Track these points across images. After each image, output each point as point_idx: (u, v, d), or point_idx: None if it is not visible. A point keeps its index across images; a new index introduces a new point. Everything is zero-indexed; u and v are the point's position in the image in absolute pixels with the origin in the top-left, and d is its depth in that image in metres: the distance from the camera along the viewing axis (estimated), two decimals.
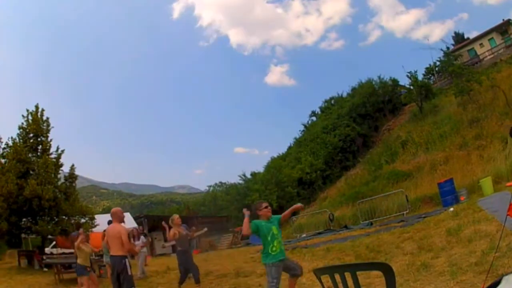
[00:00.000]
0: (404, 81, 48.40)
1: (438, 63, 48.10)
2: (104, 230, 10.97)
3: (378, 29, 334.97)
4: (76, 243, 11.05)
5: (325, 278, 3.61)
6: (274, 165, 47.42)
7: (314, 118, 57.58)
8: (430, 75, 50.71)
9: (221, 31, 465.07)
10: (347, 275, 3.30)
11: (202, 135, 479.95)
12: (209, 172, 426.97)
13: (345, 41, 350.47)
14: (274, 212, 7.23)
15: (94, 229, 23.57)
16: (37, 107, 23.13)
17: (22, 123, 22.71)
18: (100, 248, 14.81)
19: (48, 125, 23.28)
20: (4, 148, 23.40)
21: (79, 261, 11.06)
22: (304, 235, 28.20)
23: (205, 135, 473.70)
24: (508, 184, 11.74)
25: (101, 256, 17.30)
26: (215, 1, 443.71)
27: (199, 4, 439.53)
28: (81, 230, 12.51)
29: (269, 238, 6.77)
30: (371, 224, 23.23)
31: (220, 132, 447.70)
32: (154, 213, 57.18)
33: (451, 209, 16.30)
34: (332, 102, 56.91)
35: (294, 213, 36.51)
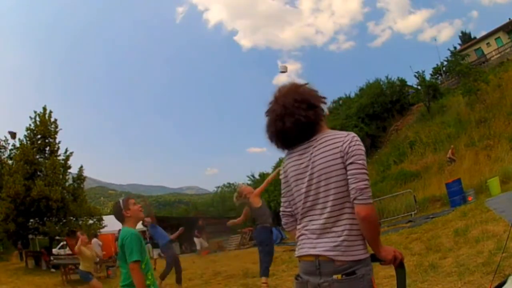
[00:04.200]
0: (412, 81, 48.31)
1: (445, 63, 47.96)
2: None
3: (387, 30, 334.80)
4: (76, 247, 10.43)
5: None
6: None
7: None
8: (438, 75, 50.45)
9: (231, 31, 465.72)
10: None
11: (212, 135, 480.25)
12: (220, 173, 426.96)
13: (354, 42, 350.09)
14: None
15: (102, 230, 23.70)
16: (44, 108, 23.19)
17: (30, 125, 22.78)
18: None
19: (56, 127, 23.34)
20: (11, 150, 23.53)
21: (81, 266, 10.57)
22: None
23: (214, 135, 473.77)
24: None
25: (110, 257, 17.34)
26: (223, 1, 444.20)
27: (205, 5, 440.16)
28: (78, 233, 11.84)
29: None
30: (379, 224, 23.19)
31: (230, 132, 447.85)
32: (162, 214, 57.24)
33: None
34: (340, 102, 56.82)
35: None
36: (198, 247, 27.11)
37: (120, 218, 4.42)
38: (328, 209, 2.39)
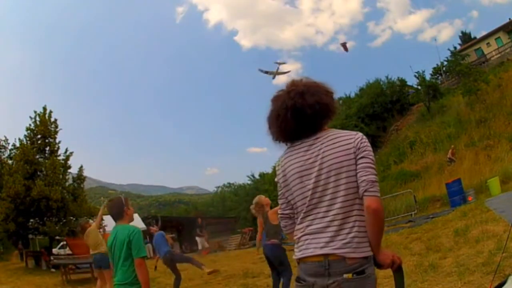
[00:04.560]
0: (412, 81, 48.28)
1: (445, 63, 47.94)
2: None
3: (387, 30, 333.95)
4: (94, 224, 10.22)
5: None
6: None
7: None
8: (438, 75, 50.43)
9: (231, 31, 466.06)
10: None
11: (212, 135, 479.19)
12: (220, 173, 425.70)
13: (354, 42, 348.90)
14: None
15: (101, 230, 23.67)
16: (44, 108, 23.08)
17: (30, 125, 22.70)
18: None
19: (56, 127, 23.22)
20: (11, 150, 23.48)
21: (100, 250, 10.03)
22: None
23: (214, 135, 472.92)
24: None
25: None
26: (223, 1, 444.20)
27: (205, 5, 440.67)
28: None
29: None
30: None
31: (230, 132, 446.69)
32: (162, 214, 57.37)
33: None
34: (340, 102, 56.67)
35: None
36: (200, 247, 27.04)
37: (120, 214, 4.49)
38: (337, 205, 2.35)
